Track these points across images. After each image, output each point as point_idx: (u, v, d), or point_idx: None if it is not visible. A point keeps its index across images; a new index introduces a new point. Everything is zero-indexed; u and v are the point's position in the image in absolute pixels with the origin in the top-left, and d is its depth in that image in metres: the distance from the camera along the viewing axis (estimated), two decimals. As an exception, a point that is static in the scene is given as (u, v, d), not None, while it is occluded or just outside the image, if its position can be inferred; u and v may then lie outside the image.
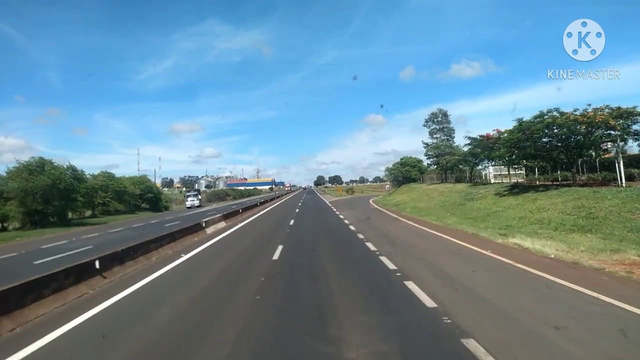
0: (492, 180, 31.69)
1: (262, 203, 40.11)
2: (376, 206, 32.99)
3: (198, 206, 56.69)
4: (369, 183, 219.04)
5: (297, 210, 30.14)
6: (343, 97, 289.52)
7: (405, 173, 54.34)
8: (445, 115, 50.98)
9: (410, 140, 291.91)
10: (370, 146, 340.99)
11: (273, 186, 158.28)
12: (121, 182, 45.76)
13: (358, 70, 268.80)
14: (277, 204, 44.83)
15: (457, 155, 38.84)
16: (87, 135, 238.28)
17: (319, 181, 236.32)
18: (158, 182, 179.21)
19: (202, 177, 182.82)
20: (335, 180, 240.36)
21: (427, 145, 49.90)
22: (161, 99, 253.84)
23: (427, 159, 50.07)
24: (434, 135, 50.62)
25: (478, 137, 27.88)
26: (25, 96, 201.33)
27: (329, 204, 40.23)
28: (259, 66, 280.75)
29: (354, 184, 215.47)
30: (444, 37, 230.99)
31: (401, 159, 58.50)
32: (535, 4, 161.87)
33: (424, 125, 51.72)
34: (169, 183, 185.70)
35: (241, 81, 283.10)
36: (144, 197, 51.34)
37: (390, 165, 62.74)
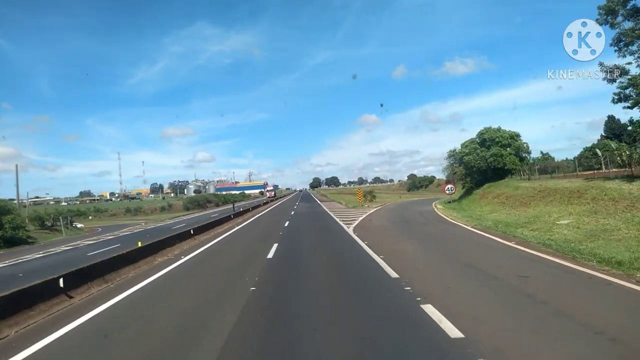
0: None
1: (168, 244, 13.40)
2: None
3: None
4: (368, 184, 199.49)
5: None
6: (337, 98, 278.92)
7: (491, 160, 29.34)
8: None
9: (406, 140, 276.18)
10: (365, 147, 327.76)
11: (264, 189, 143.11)
12: None
13: (351, 70, 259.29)
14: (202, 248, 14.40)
15: None
16: (79, 141, 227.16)
17: (315, 183, 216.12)
18: (146, 188, 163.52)
19: (192, 181, 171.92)
20: (332, 181, 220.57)
21: (612, 70, 15.94)
22: (153, 103, 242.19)
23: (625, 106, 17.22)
24: (625, 51, 16.79)
25: None
26: (13, 103, 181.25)
27: (367, 249, 11.42)
28: (251, 68, 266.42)
29: (352, 185, 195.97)
30: (436, 36, 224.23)
31: (479, 133, 32.44)
32: (526, 1, 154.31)
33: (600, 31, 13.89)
34: (158, 189, 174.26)
35: (233, 84, 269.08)
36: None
37: (458, 147, 35.78)
